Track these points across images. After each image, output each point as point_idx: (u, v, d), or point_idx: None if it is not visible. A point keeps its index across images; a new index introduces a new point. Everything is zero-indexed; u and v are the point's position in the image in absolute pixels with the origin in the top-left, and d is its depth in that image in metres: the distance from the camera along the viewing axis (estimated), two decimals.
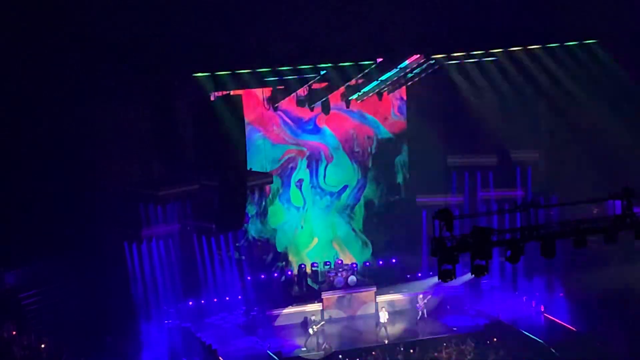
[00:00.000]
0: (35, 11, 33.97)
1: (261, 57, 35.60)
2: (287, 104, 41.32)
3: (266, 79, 38.07)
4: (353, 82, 39.91)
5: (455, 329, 39.29)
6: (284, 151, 42.53)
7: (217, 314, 40.27)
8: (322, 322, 38.52)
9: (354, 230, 44.36)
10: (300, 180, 43.05)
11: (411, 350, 37.02)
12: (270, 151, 42.24)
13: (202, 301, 40.40)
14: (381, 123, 43.83)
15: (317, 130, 42.88)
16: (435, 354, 36.98)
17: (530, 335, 37.26)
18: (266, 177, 39.92)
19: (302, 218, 43.32)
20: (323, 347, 37.62)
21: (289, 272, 42.89)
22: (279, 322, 40.00)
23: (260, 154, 41.86)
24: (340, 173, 43.78)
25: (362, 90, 40.95)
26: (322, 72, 38.08)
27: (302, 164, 43.01)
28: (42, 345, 34.90)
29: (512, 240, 20.74)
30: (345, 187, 43.95)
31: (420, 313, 40.12)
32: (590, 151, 40.06)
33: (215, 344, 36.94)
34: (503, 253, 21.00)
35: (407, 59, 38.31)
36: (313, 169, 43.18)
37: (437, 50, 38.15)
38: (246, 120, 39.48)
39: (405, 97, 43.72)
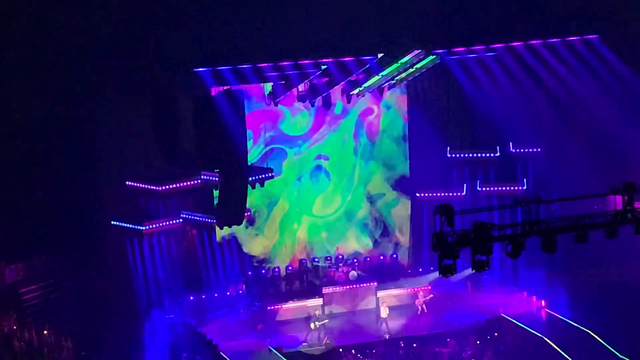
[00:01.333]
0: (37, 7, 33.99)
1: (262, 52, 35.59)
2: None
3: (267, 74, 38.11)
4: (354, 77, 39.88)
5: (456, 323, 39.30)
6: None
7: (219, 309, 40.26)
8: (326, 320, 38.38)
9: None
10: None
11: (413, 345, 37.05)
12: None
13: (203, 296, 40.39)
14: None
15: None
16: (437, 349, 37.03)
17: (531, 331, 37.29)
18: (267, 172, 39.88)
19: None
20: (324, 342, 37.63)
21: (290, 268, 42.86)
22: (280, 317, 40.01)
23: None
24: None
25: (363, 85, 40.90)
26: (323, 67, 38.04)
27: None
28: (43, 340, 34.93)
29: (513, 235, 20.72)
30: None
31: (419, 309, 40.13)
32: (591, 146, 40.07)
33: (217, 339, 36.96)
34: (504, 248, 20.97)
35: (407, 54, 38.26)
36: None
37: (438, 45, 38.11)
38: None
39: (406, 92, 43.63)
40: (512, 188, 41.86)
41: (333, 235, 43.58)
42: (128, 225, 38.67)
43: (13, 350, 34.12)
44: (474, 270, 20.92)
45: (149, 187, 38.48)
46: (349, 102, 41.77)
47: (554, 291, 40.08)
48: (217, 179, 37.54)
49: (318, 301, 40.41)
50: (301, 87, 40.14)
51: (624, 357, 34.78)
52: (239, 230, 41.11)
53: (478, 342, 37.44)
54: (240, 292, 41.26)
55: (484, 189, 42.52)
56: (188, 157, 37.96)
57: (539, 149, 42.16)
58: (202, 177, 38.34)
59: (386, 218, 44.32)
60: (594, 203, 22.04)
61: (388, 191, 44.30)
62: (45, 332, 34.98)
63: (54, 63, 34.74)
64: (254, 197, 40.66)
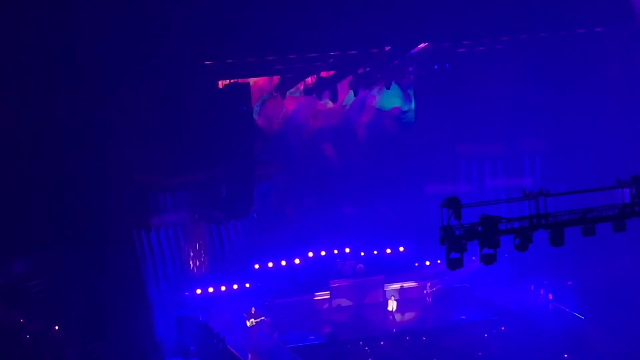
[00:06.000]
0: (44, 3, 33.98)
1: (269, 45, 35.53)
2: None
3: (274, 67, 38.11)
4: (361, 70, 39.83)
5: (463, 317, 39.29)
6: None
7: (225, 303, 40.27)
8: (262, 318, 37.94)
9: None
10: None
11: (421, 339, 37.04)
12: None
13: (211, 289, 40.36)
14: None
15: None
16: (444, 342, 37.02)
17: (539, 324, 37.27)
18: (272, 165, 39.88)
19: None
20: (330, 335, 37.62)
21: (297, 261, 42.87)
22: (286, 311, 40.03)
23: None
24: None
25: (370, 79, 40.87)
26: (330, 60, 38.00)
27: None
28: (50, 334, 34.99)
29: (521, 228, 20.70)
30: None
31: (428, 300, 40.16)
32: (599, 139, 39.98)
33: (224, 332, 36.97)
34: (511, 241, 20.94)
35: (415, 47, 38.20)
36: None
37: (445, 38, 38.02)
38: None
39: (413, 85, 43.58)
40: (519, 181, 41.76)
41: None
42: (135, 219, 38.64)
43: (20, 343, 34.18)
44: (481, 264, 20.91)
45: (156, 180, 38.43)
46: (356, 95, 41.72)
47: (561, 284, 40.05)
48: (224, 172, 37.50)
49: (325, 294, 40.49)
50: (308, 80, 40.08)
51: (631, 350, 34.75)
52: None
53: (485, 335, 37.44)
54: (248, 285, 41.25)
55: (491, 182, 42.45)
56: (195, 150, 37.91)
57: (546, 142, 42.07)
58: (209, 170, 38.28)
59: None
60: (602, 196, 21.98)
61: None
62: (52, 325, 34.99)
63: (60, 56, 34.69)
64: None
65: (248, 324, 37.20)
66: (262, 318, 37.50)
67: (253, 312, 37.52)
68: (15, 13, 33.76)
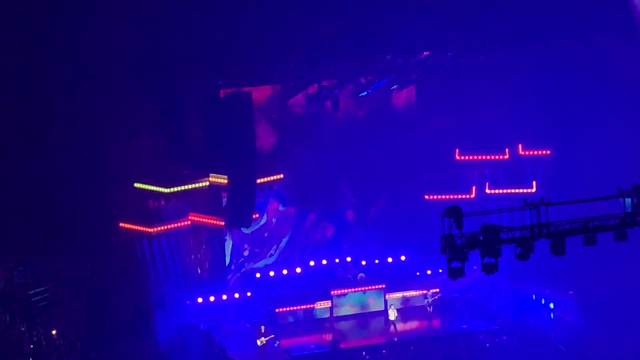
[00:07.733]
0: (46, 5, 34.04)
1: (271, 54, 35.55)
2: None
3: (276, 76, 38.11)
4: (363, 79, 39.84)
5: (465, 326, 39.24)
6: None
7: (227, 312, 40.24)
8: (272, 336, 37.75)
9: None
10: None
11: (423, 348, 36.98)
12: None
13: (212, 298, 40.34)
14: None
15: None
16: (446, 352, 36.97)
17: (540, 333, 37.22)
18: (274, 174, 39.84)
19: None
20: (332, 344, 37.58)
21: (298, 270, 42.85)
22: (287, 320, 40.00)
23: None
24: None
25: (372, 88, 40.89)
26: (332, 69, 38.00)
27: None
28: (51, 341, 34.95)
29: (522, 237, 20.69)
30: None
31: (429, 309, 40.12)
32: (601, 148, 39.96)
33: (225, 341, 36.93)
34: (513, 251, 20.94)
35: (416, 56, 38.21)
36: None
37: (447, 47, 38.04)
38: None
39: (415, 93, 43.57)
40: (521, 190, 41.75)
41: None
42: (136, 227, 38.61)
43: (22, 351, 34.14)
44: (482, 273, 20.89)
45: (157, 188, 38.41)
46: (357, 103, 41.71)
47: (563, 294, 40.00)
48: (225, 180, 37.47)
49: (326, 303, 40.47)
50: (310, 89, 40.10)
51: None
52: None
53: (487, 344, 37.39)
54: (249, 294, 41.21)
55: (492, 191, 42.43)
56: (197, 158, 37.91)
57: (548, 151, 42.07)
58: (211, 178, 38.27)
59: None
60: (603, 205, 21.97)
61: None
62: (54, 332, 34.95)
63: (62, 64, 34.74)
64: None
65: (259, 342, 37.04)
66: (272, 336, 37.39)
67: (263, 330, 37.40)
68: (15, 12, 33.84)
